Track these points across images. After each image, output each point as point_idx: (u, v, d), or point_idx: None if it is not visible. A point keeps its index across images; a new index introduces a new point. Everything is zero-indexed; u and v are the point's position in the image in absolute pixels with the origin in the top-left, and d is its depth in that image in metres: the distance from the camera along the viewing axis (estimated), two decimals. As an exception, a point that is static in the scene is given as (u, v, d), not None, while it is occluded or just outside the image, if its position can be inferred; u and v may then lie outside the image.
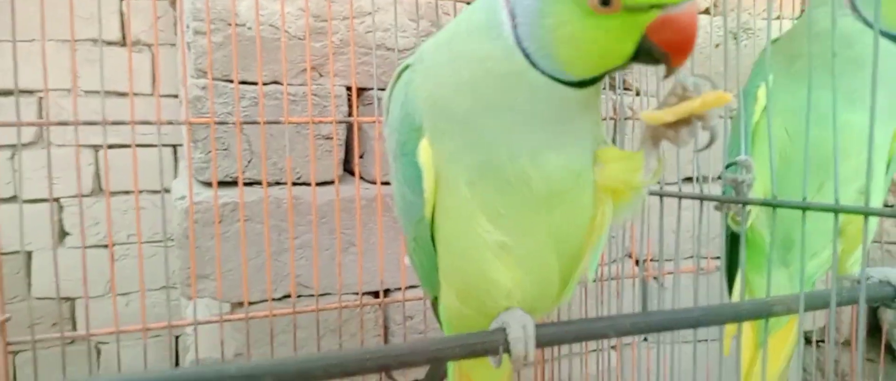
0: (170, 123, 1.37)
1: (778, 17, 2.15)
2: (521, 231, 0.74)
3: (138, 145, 1.44)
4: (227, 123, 1.43)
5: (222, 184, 1.65)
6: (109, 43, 2.77)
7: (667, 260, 1.97)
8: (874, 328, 2.26)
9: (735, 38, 2.05)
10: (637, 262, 1.94)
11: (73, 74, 1.39)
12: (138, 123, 1.35)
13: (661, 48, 0.64)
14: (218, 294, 1.44)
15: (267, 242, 1.44)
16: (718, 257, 2.07)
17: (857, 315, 1.85)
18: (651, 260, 1.91)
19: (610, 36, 0.63)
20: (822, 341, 2.28)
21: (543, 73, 0.67)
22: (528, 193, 0.71)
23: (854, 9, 0.94)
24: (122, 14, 2.78)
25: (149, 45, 2.79)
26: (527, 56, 0.66)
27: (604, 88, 1.68)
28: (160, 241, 2.21)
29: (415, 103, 0.73)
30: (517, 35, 0.66)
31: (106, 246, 2.81)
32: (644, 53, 0.65)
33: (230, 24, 1.64)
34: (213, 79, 1.65)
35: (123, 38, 2.77)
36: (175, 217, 1.59)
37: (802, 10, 2.25)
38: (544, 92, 0.67)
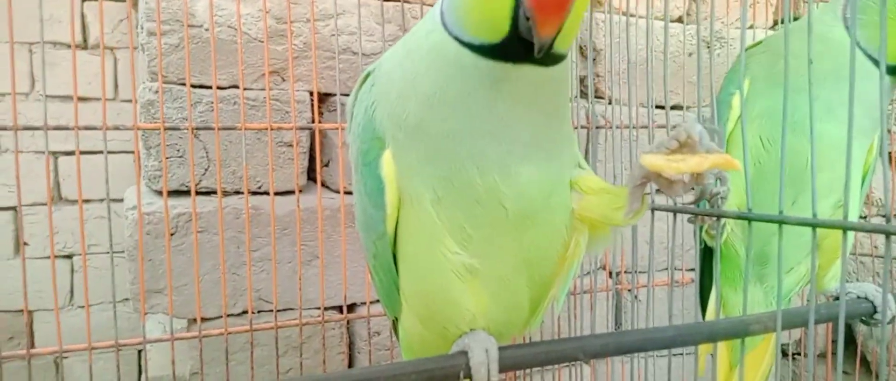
0: (117, 128, 1.29)
1: (751, 27, 2.13)
2: (489, 254, 0.69)
3: (97, 152, 1.36)
4: (178, 129, 1.35)
5: (178, 193, 1.57)
6: (68, 46, 2.68)
7: (641, 272, 1.93)
8: (849, 340, 2.25)
9: (708, 47, 2.02)
10: (610, 274, 1.89)
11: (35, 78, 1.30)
12: (82, 129, 1.27)
13: (528, 9, 0.55)
14: (169, 311, 1.36)
15: (222, 254, 1.36)
16: (694, 269, 2.05)
17: (834, 331, 1.83)
18: (625, 272, 1.87)
19: None
20: (798, 354, 2.26)
21: (468, 47, 0.61)
22: (500, 213, 0.66)
23: (846, 27, 0.92)
24: (83, 16, 2.69)
25: (111, 49, 2.70)
26: (450, 34, 0.63)
27: (575, 97, 1.64)
28: (121, 251, 2.11)
29: (376, 112, 0.68)
30: (444, 21, 0.63)
31: (66, 256, 2.71)
32: (521, 21, 0.57)
33: (189, 26, 1.57)
34: (168, 82, 1.57)
35: (85, 41, 2.68)
36: (126, 229, 1.51)
37: (775, 21, 2.23)
38: (475, 68, 0.61)
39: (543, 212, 0.69)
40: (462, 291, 0.69)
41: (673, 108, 2.04)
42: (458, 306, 0.70)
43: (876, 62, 0.88)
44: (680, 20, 2.11)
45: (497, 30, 0.59)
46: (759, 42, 1.04)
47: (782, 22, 2.10)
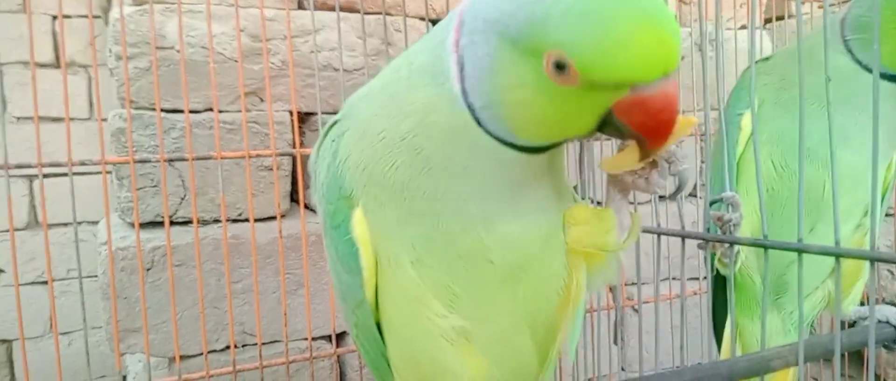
0: (83, 163, 1.21)
1: (743, 27, 2.08)
2: (482, 313, 0.63)
3: (75, 173, 1.28)
4: (148, 161, 1.27)
5: (154, 225, 1.48)
6: (42, 65, 2.59)
7: (644, 284, 1.87)
8: (855, 355, 2.20)
9: (700, 50, 1.97)
10: (611, 289, 1.83)
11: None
12: (46, 166, 1.19)
13: (632, 129, 0.53)
14: (145, 350, 1.28)
15: (200, 288, 1.28)
16: (696, 278, 2.00)
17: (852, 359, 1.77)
18: (626, 285, 1.80)
19: (568, 108, 0.52)
20: (816, 379, 2.21)
21: (490, 134, 0.55)
22: (487, 267, 0.60)
23: (848, 49, 0.87)
24: (54, 35, 2.60)
25: (85, 67, 2.61)
26: (472, 112, 0.54)
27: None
28: (94, 275, 2.03)
29: (344, 166, 0.61)
30: (464, 88, 0.54)
31: (43, 283, 2.62)
32: (611, 127, 0.54)
33: (158, 48, 1.49)
34: (139, 108, 1.49)
35: (57, 59, 2.59)
36: (99, 265, 1.43)
37: (767, 19, 2.18)
38: (493, 155, 0.56)
39: (537, 260, 0.63)
40: (455, 357, 0.63)
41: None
42: (452, 373, 0.64)
43: (889, 78, 0.83)
44: (671, 22, 2.05)
45: (562, 138, 0.56)
46: (767, 58, 0.99)
47: (778, 19, 2.05)
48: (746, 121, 0.93)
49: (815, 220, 0.91)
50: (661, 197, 0.68)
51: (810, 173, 0.86)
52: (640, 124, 0.52)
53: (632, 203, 0.70)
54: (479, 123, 0.55)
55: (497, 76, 0.52)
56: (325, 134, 0.66)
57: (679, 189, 0.67)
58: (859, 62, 0.86)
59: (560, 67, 0.49)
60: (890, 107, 0.81)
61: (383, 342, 0.68)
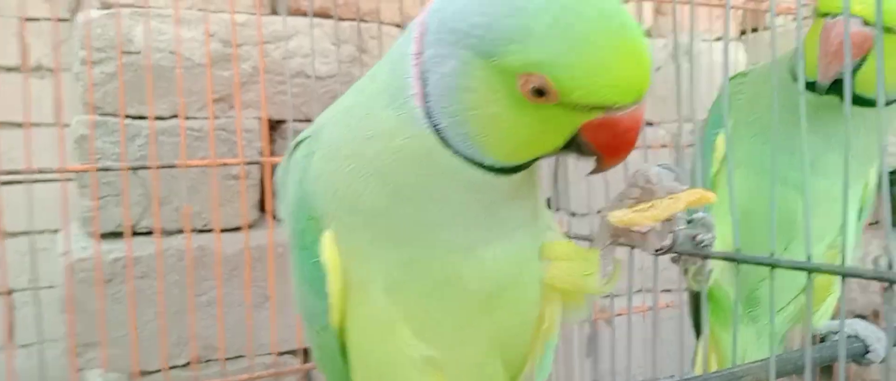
0: (41, 171, 1.16)
1: (718, 39, 2.09)
2: (454, 342, 0.61)
3: (37, 181, 1.23)
4: (110, 170, 1.23)
5: (115, 235, 1.44)
6: (8, 69, 2.53)
7: (617, 296, 1.86)
8: (826, 368, 2.21)
9: (675, 61, 1.98)
10: (584, 301, 1.81)
11: None
12: (3, 173, 1.15)
13: (594, 148, 0.53)
14: (103, 365, 1.23)
15: (161, 301, 1.24)
16: (669, 290, 1.99)
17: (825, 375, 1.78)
18: (601, 297, 1.79)
19: (540, 127, 0.51)
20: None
21: (458, 153, 0.53)
22: (463, 295, 0.59)
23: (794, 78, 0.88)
24: (22, 37, 2.54)
25: (52, 70, 2.55)
26: (437, 131, 0.52)
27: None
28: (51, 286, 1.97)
29: (314, 187, 0.58)
30: (428, 106, 0.52)
31: (6, 293, 2.54)
32: (574, 145, 0.54)
33: (125, 53, 1.45)
34: (105, 114, 1.45)
35: (24, 63, 2.53)
36: (57, 276, 1.38)
37: (743, 31, 2.20)
38: (462, 177, 0.54)
39: (512, 290, 0.61)
40: None
41: (646, 124, 1.98)
42: None
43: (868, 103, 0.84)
44: (648, 34, 2.06)
45: (530, 156, 0.55)
46: (743, 74, 0.99)
47: (752, 31, 2.06)
48: (720, 141, 0.94)
49: (788, 240, 0.91)
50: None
51: (782, 196, 0.86)
52: (605, 144, 0.53)
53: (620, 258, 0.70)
54: (446, 142, 0.52)
55: (465, 93, 0.50)
56: (295, 148, 0.63)
57: (671, 248, 0.67)
58: (809, 86, 0.85)
59: (538, 86, 0.48)
60: (861, 130, 0.82)
61: (347, 367, 0.65)
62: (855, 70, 0.81)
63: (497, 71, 0.48)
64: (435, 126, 0.52)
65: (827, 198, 0.86)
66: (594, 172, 0.57)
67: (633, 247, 0.66)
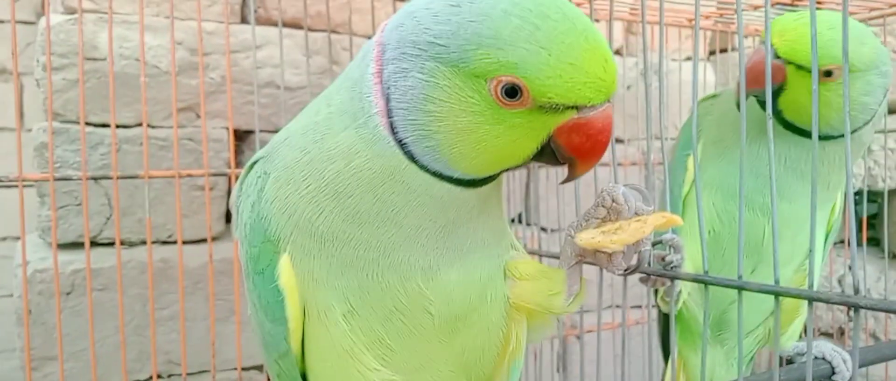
0: (-3, 180, 1.12)
1: (688, 58, 2.11)
2: (417, 366, 0.60)
3: None
4: (70, 179, 1.19)
5: (76, 246, 1.39)
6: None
7: (586, 311, 1.86)
8: None
9: (645, 80, 2.00)
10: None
11: None
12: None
13: (568, 152, 0.53)
14: (60, 379, 1.19)
15: (121, 314, 1.20)
16: (639, 307, 2.00)
17: None
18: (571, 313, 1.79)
19: (512, 134, 0.51)
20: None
21: (425, 169, 0.52)
22: (425, 319, 0.58)
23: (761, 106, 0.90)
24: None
25: (20, 74, 2.48)
26: (403, 147, 0.51)
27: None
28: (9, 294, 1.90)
29: (269, 209, 0.57)
30: (392, 123, 0.51)
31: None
32: (546, 153, 0.54)
33: (89, 59, 1.42)
34: (67, 122, 1.41)
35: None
36: (14, 289, 1.33)
37: (712, 51, 2.23)
38: (428, 193, 0.53)
39: (476, 311, 0.61)
40: None
41: (616, 141, 2.00)
42: None
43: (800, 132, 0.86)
44: (618, 53, 2.07)
45: (500, 167, 0.54)
46: (713, 95, 1.00)
47: (721, 51, 2.09)
48: (691, 162, 0.95)
49: (756, 262, 0.92)
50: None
51: (749, 220, 0.88)
52: (578, 146, 0.53)
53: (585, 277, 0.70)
54: (411, 158, 0.52)
55: (433, 104, 0.50)
56: (249, 169, 0.61)
57: (636, 268, 0.68)
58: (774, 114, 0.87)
59: (511, 89, 0.48)
60: (825, 156, 0.85)
61: None
62: (776, 94, 0.83)
63: (466, 77, 0.48)
64: (400, 142, 0.51)
65: (793, 222, 0.88)
66: (567, 180, 0.57)
67: (599, 266, 0.65)
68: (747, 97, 0.84)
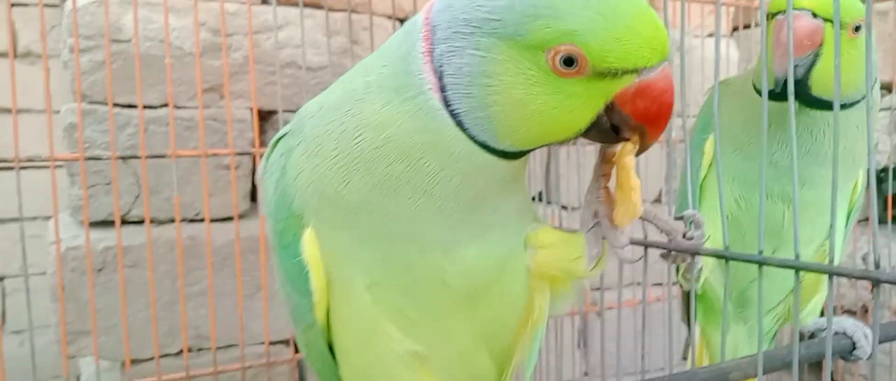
0: (30, 160, 1.15)
1: (710, 35, 2.09)
2: (438, 336, 0.61)
3: (30, 167, 1.23)
4: (100, 159, 1.22)
5: (106, 224, 1.43)
6: (-2, 54, 2.51)
7: (607, 290, 1.87)
8: (815, 364, 2.23)
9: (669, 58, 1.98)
10: (574, 294, 1.82)
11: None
12: (-9, 161, 1.14)
13: (634, 120, 0.53)
14: (94, 353, 1.23)
15: (152, 290, 1.24)
16: (660, 284, 2.01)
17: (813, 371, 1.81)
18: (590, 290, 1.80)
19: (570, 103, 0.51)
20: None
21: (472, 139, 0.53)
22: (445, 291, 0.59)
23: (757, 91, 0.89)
24: (11, 22, 2.51)
25: (42, 57, 2.53)
26: (454, 118, 0.53)
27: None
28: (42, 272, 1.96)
29: (294, 185, 0.58)
30: (446, 96, 0.52)
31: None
32: (600, 127, 0.54)
33: (114, 41, 1.44)
34: (94, 102, 1.44)
35: (14, 49, 2.51)
36: (48, 265, 1.37)
37: (735, 27, 2.20)
38: (468, 159, 0.54)
39: (497, 283, 0.62)
40: (411, 380, 0.61)
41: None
42: None
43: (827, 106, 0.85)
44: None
45: (551, 139, 0.55)
46: (724, 82, 1.01)
47: (744, 28, 2.07)
48: (709, 146, 0.95)
49: (776, 245, 0.92)
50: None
51: (768, 207, 0.88)
52: (644, 111, 0.53)
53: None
54: (461, 128, 0.53)
55: (489, 78, 0.51)
56: (273, 147, 0.63)
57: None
58: (776, 97, 0.84)
59: (568, 58, 0.49)
60: (846, 134, 0.84)
61: (336, 363, 0.66)
62: (811, 67, 0.81)
63: (523, 50, 0.50)
64: (452, 113, 0.52)
65: (813, 206, 0.87)
66: (640, 151, 0.57)
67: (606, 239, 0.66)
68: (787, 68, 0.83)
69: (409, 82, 0.53)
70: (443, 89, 0.52)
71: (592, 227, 0.63)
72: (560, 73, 0.50)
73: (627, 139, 0.55)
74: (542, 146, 0.56)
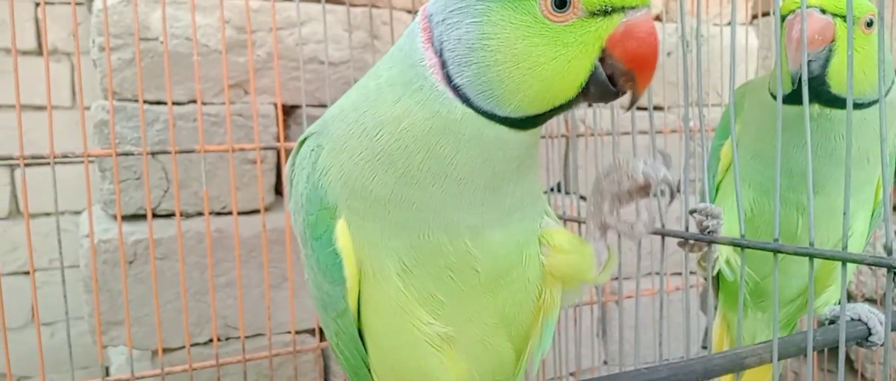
0: (65, 156, 1.20)
1: (728, 24, 2.08)
2: (464, 319, 0.64)
3: (58, 162, 1.27)
4: (131, 154, 1.26)
5: (136, 217, 1.48)
6: (24, 52, 2.56)
7: (626, 279, 1.89)
8: (833, 350, 2.23)
9: (686, 46, 1.98)
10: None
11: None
12: (28, 158, 1.18)
13: (625, 65, 0.56)
14: (128, 343, 1.28)
15: (183, 281, 1.28)
16: (679, 274, 2.02)
17: (826, 357, 1.81)
18: (611, 279, 1.82)
19: (566, 52, 0.55)
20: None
21: (478, 111, 0.56)
22: (472, 276, 0.62)
23: (772, 95, 0.91)
24: (37, 21, 2.57)
25: (68, 54, 2.58)
26: (457, 92, 0.56)
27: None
28: (75, 265, 2.01)
29: (324, 179, 0.61)
30: (448, 73, 0.56)
31: (25, 273, 2.59)
32: (598, 83, 0.57)
33: (142, 39, 1.48)
34: (123, 99, 1.48)
35: (40, 47, 2.56)
36: (81, 257, 1.42)
37: (754, 15, 2.19)
38: (479, 137, 0.57)
39: (516, 269, 0.65)
40: (439, 361, 0.64)
41: (655, 109, 1.99)
42: (436, 378, 0.65)
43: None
44: (658, 18, 2.06)
45: (549, 100, 0.57)
46: (742, 86, 1.03)
47: (764, 15, 2.06)
48: (725, 151, 0.99)
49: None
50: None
51: (782, 214, 0.90)
52: (633, 53, 0.56)
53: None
54: (466, 103, 0.56)
55: (488, 40, 0.54)
56: (301, 145, 0.66)
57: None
58: (791, 101, 0.85)
59: (560, 1, 0.53)
60: (862, 136, 0.85)
61: (365, 349, 0.69)
62: (826, 65, 0.83)
63: (516, 3, 0.53)
64: (454, 88, 0.56)
65: (827, 213, 0.90)
66: (631, 105, 0.60)
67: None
68: (796, 66, 0.84)
69: (415, 73, 0.57)
70: (444, 66, 0.56)
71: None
72: (554, 18, 0.53)
73: (624, 93, 0.58)
74: (548, 111, 0.58)
